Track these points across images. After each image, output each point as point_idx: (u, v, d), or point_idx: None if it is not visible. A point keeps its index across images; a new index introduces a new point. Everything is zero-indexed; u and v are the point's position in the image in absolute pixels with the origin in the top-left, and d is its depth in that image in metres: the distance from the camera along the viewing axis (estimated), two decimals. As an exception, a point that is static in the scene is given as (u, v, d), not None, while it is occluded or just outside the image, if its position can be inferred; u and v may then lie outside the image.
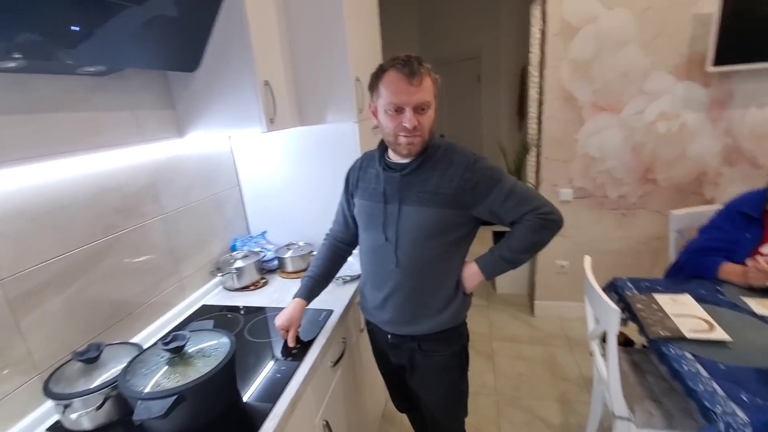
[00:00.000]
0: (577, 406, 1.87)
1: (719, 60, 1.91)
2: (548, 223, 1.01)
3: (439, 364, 1.12)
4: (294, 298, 1.17)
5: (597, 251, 2.35)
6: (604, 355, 1.32)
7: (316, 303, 1.23)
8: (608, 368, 1.24)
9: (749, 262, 1.42)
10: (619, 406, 1.24)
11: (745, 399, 0.95)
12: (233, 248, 1.66)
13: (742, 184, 2.08)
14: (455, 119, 4.71)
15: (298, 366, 1.04)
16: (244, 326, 1.26)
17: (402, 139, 0.95)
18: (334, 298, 1.37)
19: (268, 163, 1.72)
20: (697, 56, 2.00)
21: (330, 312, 1.29)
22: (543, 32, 2.21)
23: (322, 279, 1.22)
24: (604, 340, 1.31)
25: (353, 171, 1.19)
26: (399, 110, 0.92)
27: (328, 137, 1.64)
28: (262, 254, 1.61)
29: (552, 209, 1.01)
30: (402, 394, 1.32)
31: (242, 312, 1.36)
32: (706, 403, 0.97)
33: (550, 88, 2.23)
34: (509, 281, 2.96)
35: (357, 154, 1.62)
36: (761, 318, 1.24)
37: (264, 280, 1.56)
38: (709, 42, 1.90)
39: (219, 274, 1.50)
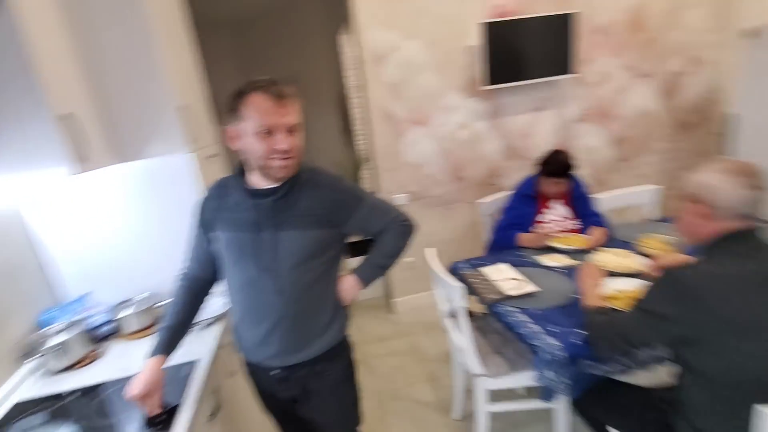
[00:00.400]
0: (444, 380, 2.12)
1: (488, 81, 2.47)
2: (408, 229, 1.17)
3: (334, 382, 1.13)
4: (149, 357, 1.01)
5: (433, 243, 2.70)
6: (457, 328, 1.56)
7: (177, 356, 1.09)
8: (463, 336, 1.47)
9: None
10: (475, 366, 1.48)
11: (555, 330, 1.27)
12: (44, 323, 1.32)
13: (521, 172, 2.73)
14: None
15: (170, 435, 0.91)
16: (84, 411, 1.03)
17: (276, 162, 0.93)
18: (197, 346, 1.24)
19: (82, 212, 1.43)
20: (474, 78, 2.55)
21: (195, 362, 1.16)
22: (360, 59, 2.47)
23: (181, 327, 1.08)
24: (454, 316, 1.55)
25: (207, 202, 1.09)
26: (270, 132, 0.90)
27: (159, 172, 1.47)
28: (90, 320, 1.33)
29: (407, 216, 1.17)
30: (294, 428, 1.27)
31: (76, 395, 1.10)
32: (532, 342, 1.25)
33: (373, 107, 2.50)
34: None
35: (197, 186, 1.51)
36: (550, 268, 1.67)
37: (98, 351, 1.29)
38: (480, 67, 2.45)
39: (31, 359, 1.18)
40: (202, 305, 1.16)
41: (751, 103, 2.47)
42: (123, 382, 1.10)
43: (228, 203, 1.04)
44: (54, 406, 1.06)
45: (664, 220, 2.12)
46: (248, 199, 1.00)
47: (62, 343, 1.20)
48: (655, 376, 1.39)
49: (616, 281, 1.44)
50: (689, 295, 0.90)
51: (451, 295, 1.44)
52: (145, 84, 1.35)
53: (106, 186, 1.44)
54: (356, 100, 2.72)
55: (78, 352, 1.24)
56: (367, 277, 1.16)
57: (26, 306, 1.30)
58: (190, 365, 1.14)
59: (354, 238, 1.22)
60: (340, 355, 1.14)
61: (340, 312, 1.13)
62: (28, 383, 1.18)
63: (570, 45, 2.50)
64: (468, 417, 1.85)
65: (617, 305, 1.29)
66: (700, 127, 3.06)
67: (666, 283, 0.96)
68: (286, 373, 1.09)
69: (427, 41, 2.45)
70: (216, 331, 1.33)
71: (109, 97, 1.32)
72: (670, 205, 3.13)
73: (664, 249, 1.65)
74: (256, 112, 0.89)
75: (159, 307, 1.43)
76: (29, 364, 1.20)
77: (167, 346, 1.04)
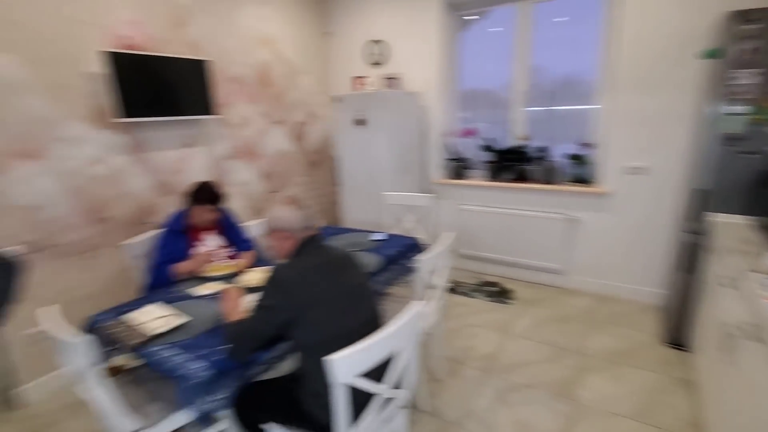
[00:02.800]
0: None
1: (122, 113, 2.30)
2: (10, 269, 1.03)
3: None
4: None
5: (74, 300, 2.24)
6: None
7: None
8: (101, 398, 1.29)
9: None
10: (125, 424, 1.33)
11: (204, 352, 1.32)
12: None
13: (177, 207, 2.68)
14: None
15: None
16: None
17: None
18: None
19: None
20: (103, 108, 2.30)
21: None
22: None
23: None
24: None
25: None
26: None
27: None
28: None
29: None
30: None
31: None
32: (176, 371, 1.26)
33: (-63, 134, 1.80)
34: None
35: None
36: (201, 297, 1.73)
37: None
38: (109, 98, 2.25)
39: None
40: None
41: (344, 148, 3.48)
42: None
43: None
44: None
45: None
46: None
47: None
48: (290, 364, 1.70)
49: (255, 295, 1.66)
50: (282, 286, 1.20)
51: (72, 356, 1.23)
52: None
53: None
54: None
55: None
56: None
57: None
58: None
59: None
60: None
61: None
62: None
63: (208, 89, 2.71)
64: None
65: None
66: (322, 164, 4.01)
67: (268, 281, 1.24)
68: None
69: (27, 59, 2.02)
70: None
71: None
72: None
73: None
74: None
75: None
76: None
77: None
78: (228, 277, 1.92)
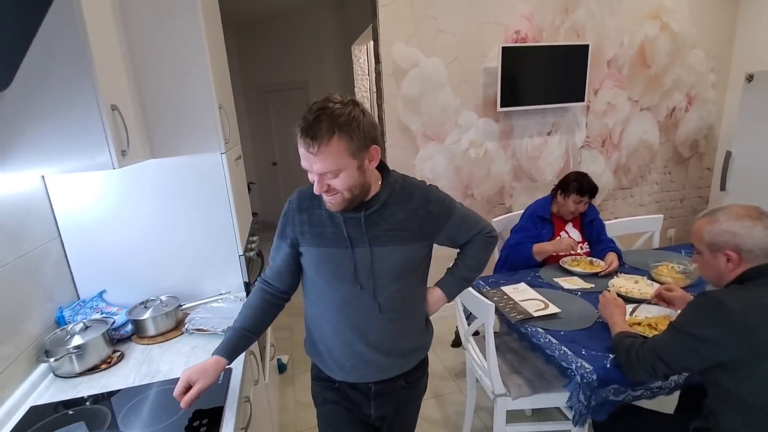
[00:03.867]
0: (450, 397, 2.12)
1: (503, 103, 2.53)
2: (493, 241, 1.14)
3: (421, 389, 1.17)
4: (213, 354, 0.96)
5: (443, 259, 2.75)
6: (478, 347, 1.56)
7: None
8: (488, 356, 1.47)
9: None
10: (498, 385, 1.49)
11: (584, 353, 1.29)
12: (60, 321, 1.25)
13: (527, 193, 2.80)
14: (288, 146, 4.71)
15: (214, 445, 0.87)
16: (110, 420, 0.97)
17: (323, 195, 0.90)
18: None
19: (102, 204, 1.38)
20: (489, 99, 2.61)
21: (229, 371, 1.12)
22: (378, 72, 2.48)
23: (250, 333, 1.01)
24: (476, 333, 1.55)
25: (293, 214, 1.01)
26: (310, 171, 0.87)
27: (189, 171, 1.43)
28: (111, 320, 1.27)
29: (492, 228, 1.14)
30: None
31: (100, 401, 1.04)
32: (564, 364, 1.27)
33: (389, 120, 2.51)
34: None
35: (225, 186, 1.47)
36: (569, 291, 1.70)
37: (118, 353, 1.23)
38: (496, 89, 2.51)
39: (50, 360, 1.11)
40: (276, 315, 1.09)
41: (744, 142, 2.61)
42: (148, 389, 1.05)
43: (316, 216, 0.98)
44: (75, 412, 1.00)
45: (669, 248, 2.20)
46: (339, 213, 0.94)
47: (85, 344, 1.13)
48: (663, 401, 1.43)
49: (639, 308, 1.48)
50: (733, 320, 0.94)
51: (481, 312, 1.44)
52: (188, 83, 1.32)
53: (131, 181, 1.39)
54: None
55: (100, 353, 1.17)
56: (452, 290, 1.15)
57: (46, 300, 1.23)
58: (224, 373, 1.10)
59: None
60: (426, 362, 1.17)
61: (429, 323, 1.14)
62: (44, 386, 1.10)
63: (582, 75, 2.60)
64: (477, 436, 1.85)
65: (641, 331, 1.32)
66: (691, 160, 3.22)
67: (709, 307, 1.00)
68: (384, 386, 1.07)
69: (447, 60, 2.50)
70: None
71: (151, 89, 1.28)
72: (666, 234, 3.26)
73: (676, 277, 1.71)
74: (299, 148, 0.85)
75: (183, 309, 1.38)
76: (45, 365, 1.13)
77: (232, 348, 0.98)
78: (591, 276, 1.81)
